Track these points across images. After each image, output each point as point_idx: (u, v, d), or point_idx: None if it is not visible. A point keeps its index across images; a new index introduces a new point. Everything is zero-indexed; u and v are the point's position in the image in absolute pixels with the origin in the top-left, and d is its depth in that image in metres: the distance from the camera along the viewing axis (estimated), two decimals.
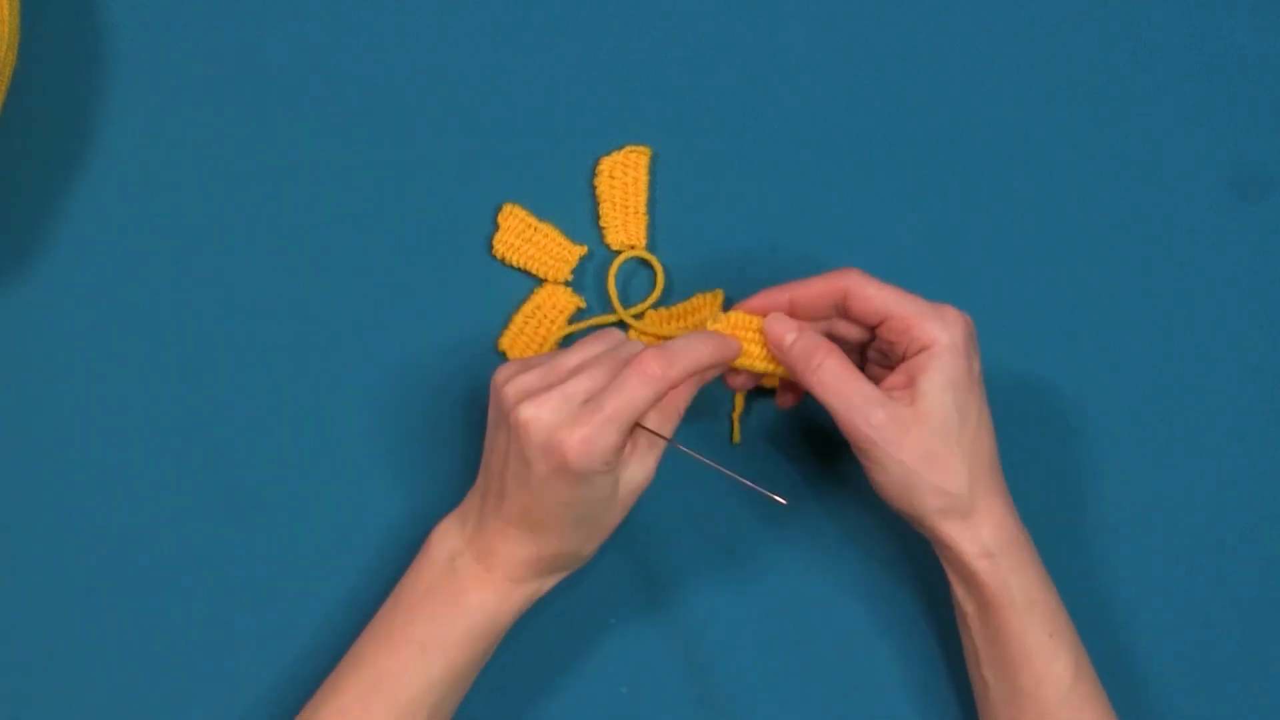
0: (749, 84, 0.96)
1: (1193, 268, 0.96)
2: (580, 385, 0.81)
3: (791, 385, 0.91)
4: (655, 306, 0.94)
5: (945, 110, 0.96)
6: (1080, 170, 0.96)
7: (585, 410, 0.81)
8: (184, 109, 0.95)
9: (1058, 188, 0.96)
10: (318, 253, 0.94)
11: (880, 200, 0.96)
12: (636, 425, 0.84)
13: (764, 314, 0.87)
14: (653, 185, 0.95)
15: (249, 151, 0.94)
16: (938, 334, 0.84)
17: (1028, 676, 0.85)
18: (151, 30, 0.95)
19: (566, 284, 0.94)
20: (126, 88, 0.95)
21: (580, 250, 0.94)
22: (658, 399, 0.82)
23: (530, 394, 0.82)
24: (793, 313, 0.87)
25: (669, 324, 0.93)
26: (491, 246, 0.94)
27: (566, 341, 0.94)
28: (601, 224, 0.95)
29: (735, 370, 0.88)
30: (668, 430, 0.85)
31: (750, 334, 0.87)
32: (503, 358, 0.93)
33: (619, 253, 0.95)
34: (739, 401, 0.93)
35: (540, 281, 0.94)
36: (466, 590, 0.85)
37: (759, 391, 0.94)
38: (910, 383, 0.84)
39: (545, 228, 0.94)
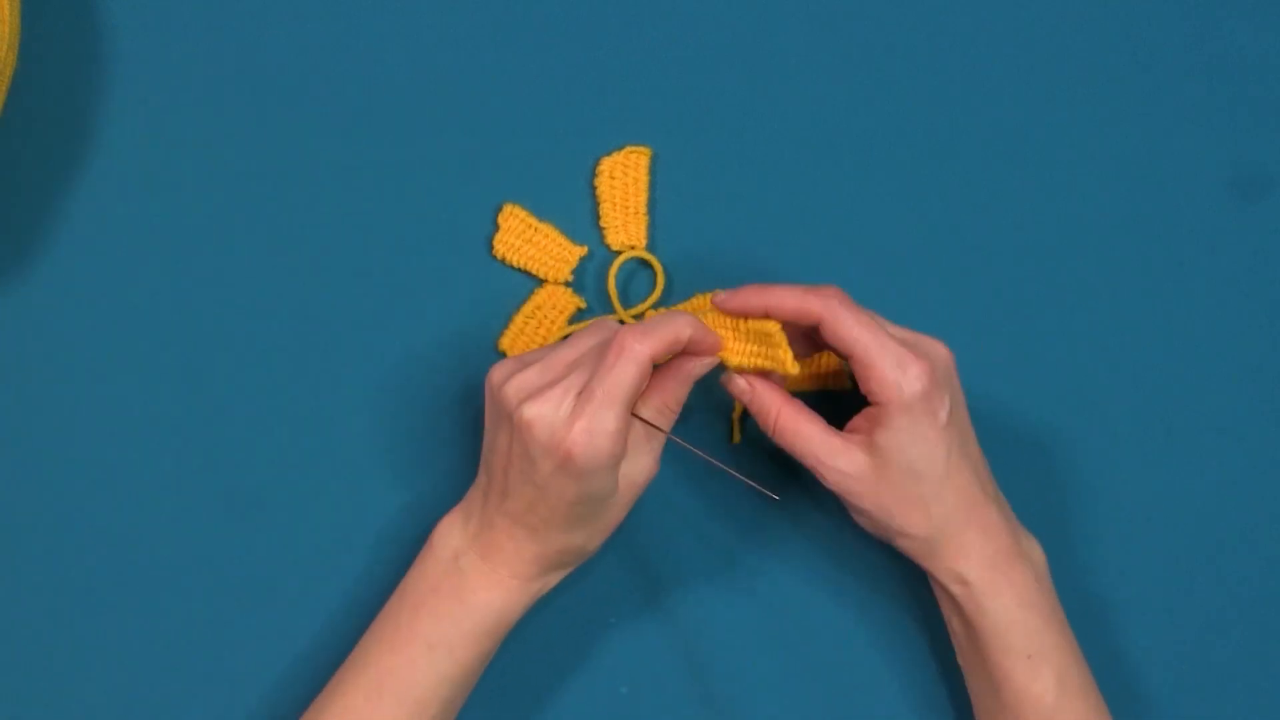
0: (749, 84, 0.96)
1: (1193, 268, 0.96)
2: (578, 379, 0.82)
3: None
4: (655, 306, 0.94)
5: (945, 110, 0.96)
6: (1080, 170, 0.96)
7: (580, 401, 0.81)
8: (184, 109, 0.95)
9: (1058, 188, 0.96)
10: (318, 253, 0.94)
11: (880, 200, 0.96)
12: (634, 417, 0.84)
13: (743, 316, 0.86)
14: (653, 185, 0.95)
15: (249, 151, 0.94)
16: (894, 393, 0.82)
17: (1008, 694, 0.85)
18: (151, 30, 0.95)
19: (567, 284, 0.94)
20: (126, 88, 0.95)
21: (580, 250, 0.94)
22: (642, 374, 0.81)
23: (531, 393, 0.82)
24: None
25: None
26: (491, 246, 0.94)
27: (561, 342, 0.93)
28: (601, 224, 0.95)
29: (730, 373, 0.87)
30: (665, 426, 0.85)
31: (728, 331, 0.86)
32: (502, 358, 0.93)
33: (619, 253, 0.95)
34: (739, 402, 0.93)
35: (540, 282, 0.94)
36: (473, 589, 0.85)
37: None
38: (871, 430, 0.84)
39: (545, 228, 0.94)
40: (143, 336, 0.93)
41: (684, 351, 0.85)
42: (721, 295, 0.86)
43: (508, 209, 0.94)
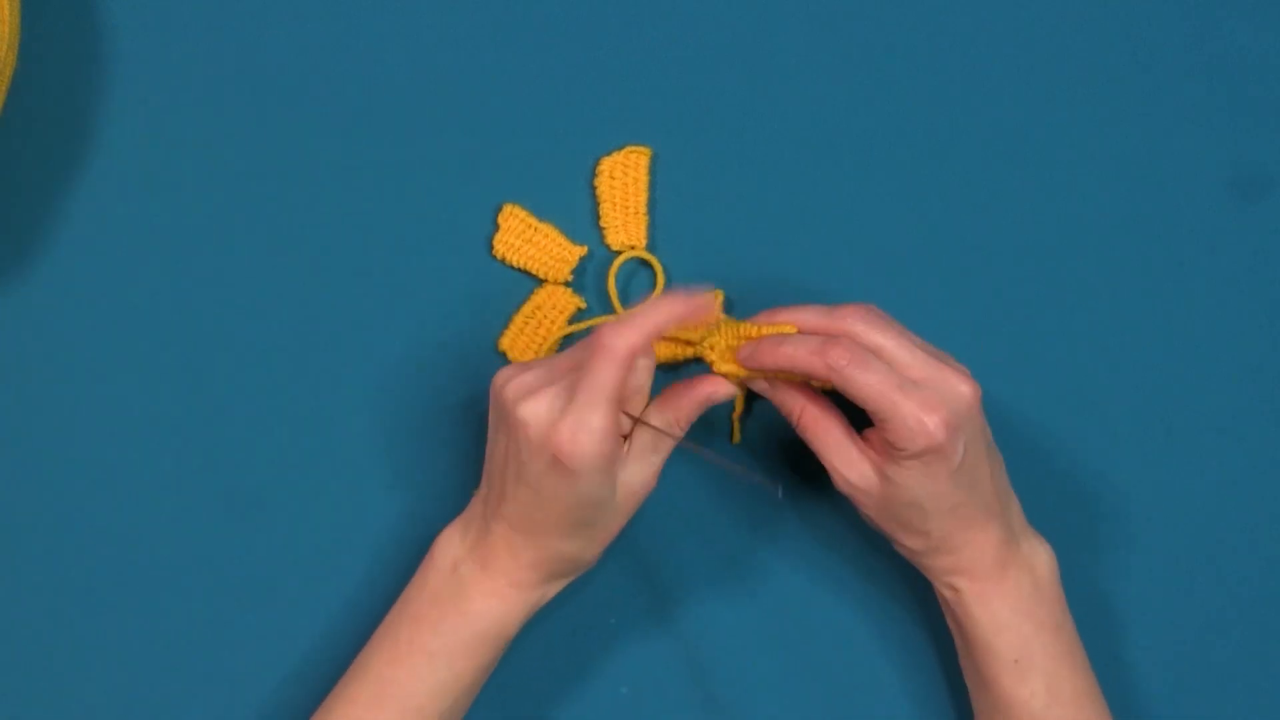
0: (749, 84, 0.96)
1: (1193, 268, 0.96)
2: (573, 381, 0.81)
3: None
4: None
5: (945, 110, 0.96)
6: (1080, 170, 0.96)
7: (566, 401, 0.80)
8: (184, 109, 0.95)
9: (1058, 188, 0.96)
10: (318, 253, 0.94)
11: (880, 200, 0.96)
12: (636, 423, 0.84)
13: (759, 369, 0.85)
14: (653, 185, 0.95)
15: (249, 152, 0.94)
16: (908, 443, 0.81)
17: (997, 696, 0.85)
18: (151, 30, 0.95)
19: (566, 284, 0.94)
20: (126, 88, 0.95)
21: (580, 250, 0.94)
22: (622, 369, 0.80)
23: (528, 393, 0.82)
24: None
25: None
26: (491, 246, 0.94)
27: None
28: (601, 224, 0.95)
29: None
30: (672, 439, 0.85)
31: (739, 342, 0.86)
32: (503, 358, 0.93)
33: (619, 253, 0.95)
34: (739, 402, 0.93)
35: (540, 282, 0.94)
36: (471, 597, 0.85)
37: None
38: (884, 457, 0.83)
39: (545, 228, 0.94)
40: (143, 336, 0.93)
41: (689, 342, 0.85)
42: (743, 352, 0.85)
43: (508, 209, 0.94)
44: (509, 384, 0.82)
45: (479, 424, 0.92)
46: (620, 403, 0.81)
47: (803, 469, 0.93)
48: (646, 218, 0.95)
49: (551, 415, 0.80)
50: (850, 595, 0.93)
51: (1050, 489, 0.94)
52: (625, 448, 0.84)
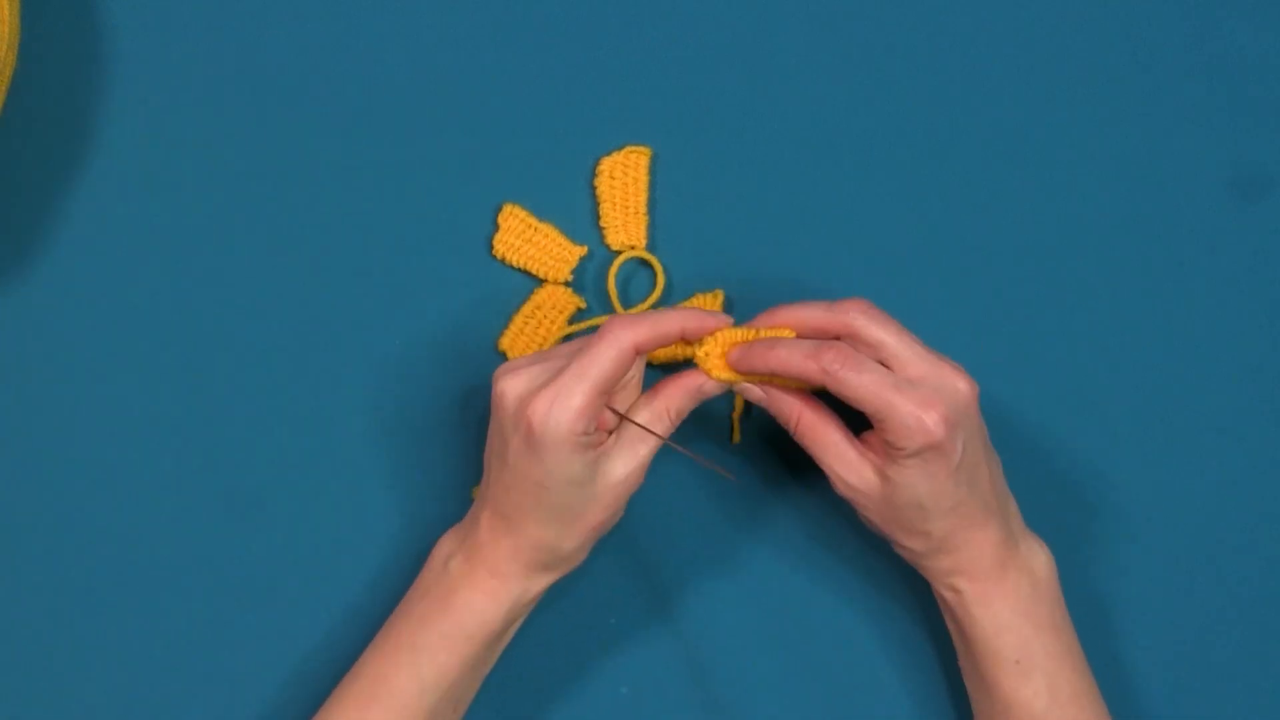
0: (749, 84, 0.96)
1: (1193, 268, 0.96)
2: (561, 363, 0.82)
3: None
4: (655, 307, 0.94)
5: (945, 110, 0.96)
6: (1080, 170, 0.96)
7: (554, 376, 0.81)
8: (184, 109, 0.95)
9: (1058, 188, 0.96)
10: (318, 253, 0.94)
11: (880, 200, 0.96)
12: (623, 418, 0.84)
13: (752, 373, 0.85)
14: (653, 185, 0.95)
15: (249, 152, 0.94)
16: (907, 442, 0.81)
17: (998, 698, 0.86)
18: (151, 30, 0.95)
19: (566, 284, 0.94)
20: (126, 88, 0.95)
21: (580, 250, 0.94)
22: (620, 358, 0.81)
23: (513, 369, 0.82)
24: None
25: None
26: (491, 246, 0.94)
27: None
28: (601, 224, 0.95)
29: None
30: (660, 430, 0.84)
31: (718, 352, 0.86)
32: (503, 358, 0.93)
33: (619, 253, 0.95)
34: (739, 401, 0.93)
35: (540, 282, 0.94)
36: (455, 589, 0.85)
37: None
38: (883, 458, 0.83)
39: (545, 228, 0.94)
40: (143, 336, 0.93)
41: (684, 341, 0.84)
42: (732, 356, 0.85)
43: (508, 209, 0.94)
44: (502, 366, 0.83)
45: (478, 423, 0.92)
46: (608, 391, 0.82)
47: (802, 469, 0.93)
48: (646, 218, 0.95)
49: (530, 388, 0.81)
50: (850, 596, 0.93)
51: (1050, 488, 0.94)
52: (611, 440, 0.84)
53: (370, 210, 0.94)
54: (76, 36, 0.95)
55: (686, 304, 0.94)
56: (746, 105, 0.96)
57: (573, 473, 0.82)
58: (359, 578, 0.92)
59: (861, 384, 0.81)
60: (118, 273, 0.94)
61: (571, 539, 0.84)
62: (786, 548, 0.93)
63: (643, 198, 0.95)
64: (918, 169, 0.96)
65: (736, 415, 0.94)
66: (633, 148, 0.95)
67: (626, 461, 0.84)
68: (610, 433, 0.84)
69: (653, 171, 0.95)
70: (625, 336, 0.81)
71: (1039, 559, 0.86)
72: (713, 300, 0.94)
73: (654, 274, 0.94)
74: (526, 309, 0.94)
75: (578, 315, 0.94)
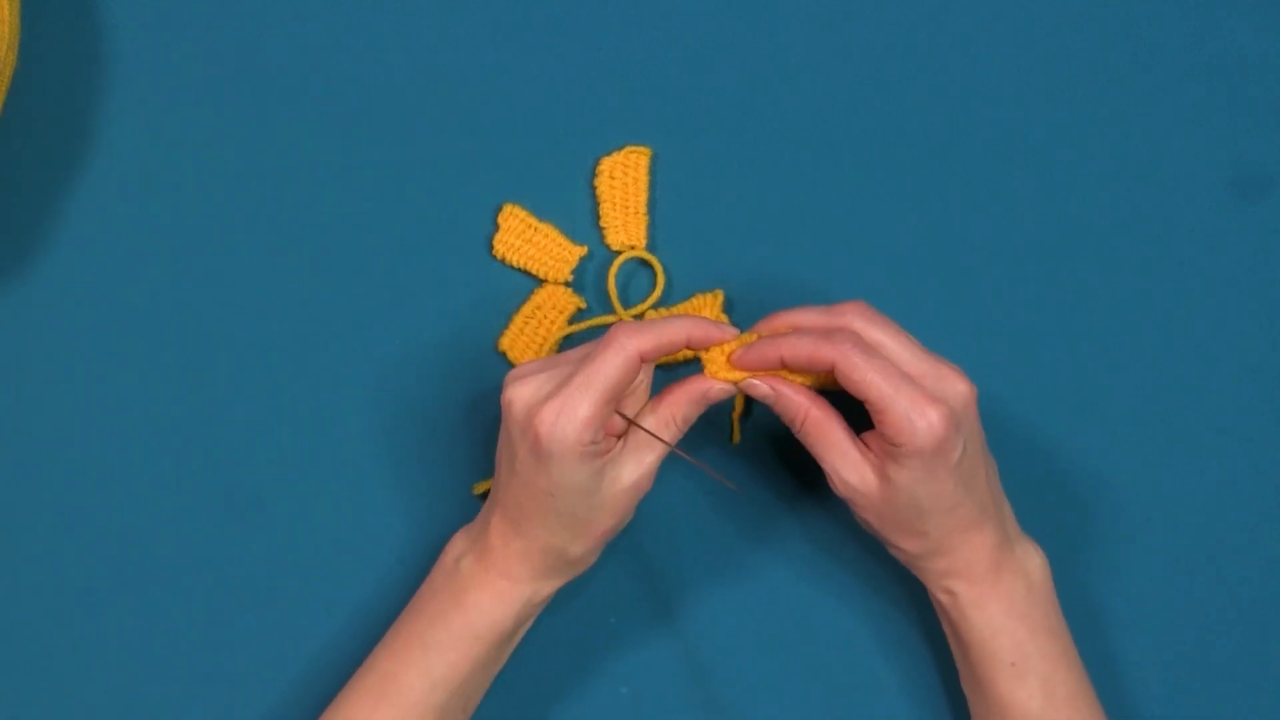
0: (749, 84, 0.96)
1: (1193, 268, 0.96)
2: (568, 370, 0.81)
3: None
4: (655, 307, 0.94)
5: (945, 110, 0.96)
6: (1080, 170, 0.96)
7: (558, 386, 0.81)
8: (184, 109, 0.95)
9: (1058, 188, 0.96)
10: (317, 253, 0.94)
11: (880, 200, 0.96)
12: (631, 423, 0.84)
13: (761, 366, 0.85)
14: (653, 185, 0.95)
15: (249, 151, 0.94)
16: (908, 439, 0.81)
17: (994, 699, 0.86)
18: (151, 30, 0.95)
19: (566, 284, 0.94)
20: (126, 88, 0.95)
21: (580, 250, 0.94)
22: (627, 367, 0.80)
23: (522, 375, 0.82)
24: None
25: None
26: (491, 246, 0.94)
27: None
28: (601, 224, 0.95)
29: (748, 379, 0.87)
30: (667, 436, 0.84)
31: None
32: (503, 358, 0.93)
33: (619, 253, 0.95)
34: (739, 402, 0.93)
35: (540, 282, 0.94)
36: (466, 589, 0.85)
37: None
38: (884, 458, 0.83)
39: (545, 228, 0.94)
40: (143, 336, 0.93)
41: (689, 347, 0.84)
42: (739, 352, 0.84)
43: (508, 209, 0.94)
44: (512, 372, 0.83)
45: (479, 424, 0.92)
46: (615, 399, 0.82)
47: (802, 472, 0.93)
48: (646, 218, 0.95)
49: (538, 397, 0.81)
50: (849, 598, 0.93)
51: (1048, 489, 0.94)
52: (619, 446, 0.84)
53: (370, 210, 0.94)
54: (76, 36, 0.95)
55: (686, 304, 0.94)
56: (746, 105, 0.96)
57: (580, 482, 0.82)
58: (358, 577, 0.92)
59: (871, 368, 0.81)
60: (118, 273, 0.94)
61: (580, 545, 0.85)
62: (786, 550, 0.93)
63: (643, 198, 0.95)
64: (918, 169, 0.96)
65: (736, 416, 0.94)
66: (633, 148, 0.95)
67: (634, 468, 0.84)
68: (619, 438, 0.84)
69: (653, 171, 0.95)
70: (631, 345, 0.81)
71: (1034, 561, 0.86)
72: (713, 300, 0.94)
73: (654, 274, 0.94)
74: (526, 309, 0.94)
75: (578, 315, 0.94)
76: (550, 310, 0.94)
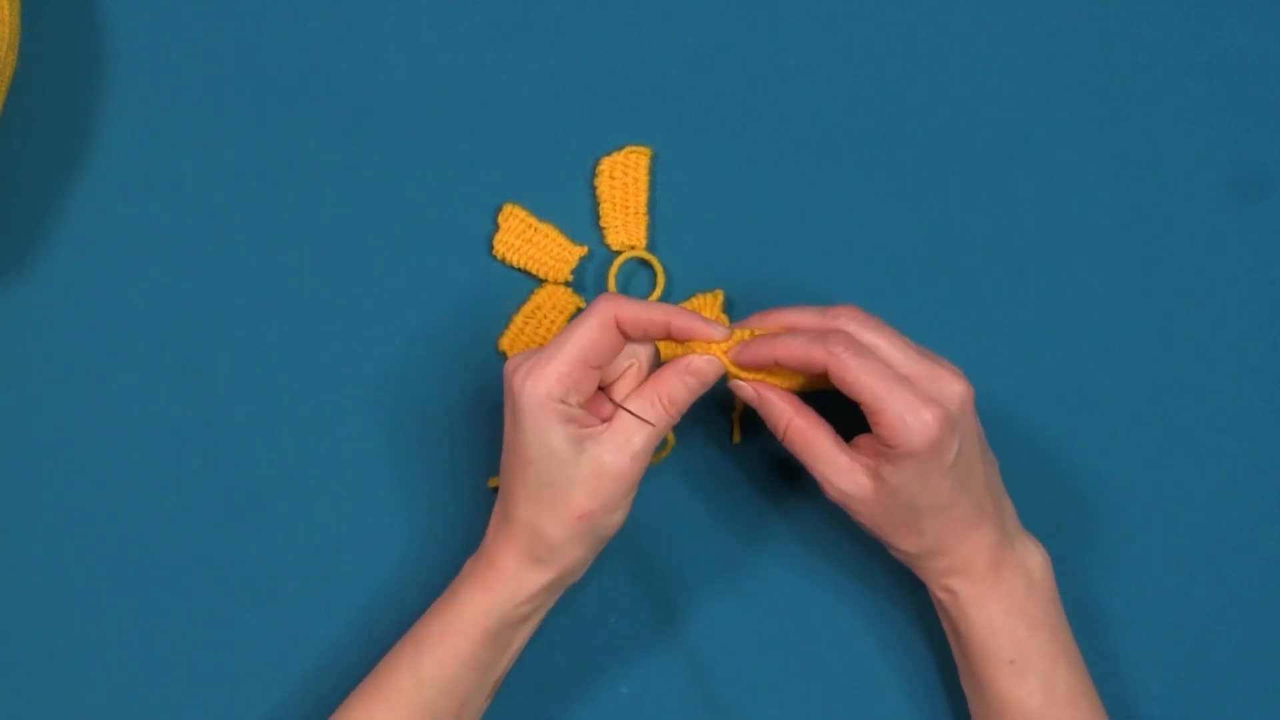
0: (749, 84, 0.96)
1: (1193, 268, 0.96)
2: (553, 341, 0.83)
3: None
4: None
5: (945, 110, 0.96)
6: (1080, 170, 0.96)
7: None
8: (184, 109, 0.95)
9: (1058, 188, 0.96)
10: (318, 253, 0.94)
11: (880, 200, 0.96)
12: (618, 407, 0.83)
13: (755, 365, 0.85)
14: (653, 185, 0.95)
15: (249, 152, 0.94)
16: (903, 440, 0.81)
17: (993, 697, 0.86)
18: (151, 30, 0.95)
19: (567, 284, 0.94)
20: (126, 88, 0.95)
21: (580, 250, 0.94)
22: (604, 331, 0.81)
23: (520, 354, 0.83)
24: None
25: None
26: (491, 247, 0.94)
27: None
28: (601, 224, 0.95)
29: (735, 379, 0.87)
30: (652, 417, 0.84)
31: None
32: (503, 358, 0.93)
33: (619, 253, 0.95)
34: (739, 401, 0.93)
35: (540, 282, 0.94)
36: (459, 583, 0.86)
37: None
38: (877, 460, 0.83)
39: (545, 228, 0.94)
40: (143, 336, 0.93)
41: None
42: (733, 351, 0.84)
43: (508, 209, 0.94)
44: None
45: (479, 423, 0.92)
46: (589, 360, 0.82)
47: (802, 471, 0.93)
48: (646, 218, 0.95)
49: (522, 360, 0.82)
50: (848, 596, 0.93)
51: (1048, 488, 0.94)
52: (603, 426, 0.83)
53: (370, 210, 0.94)
54: (76, 36, 0.95)
55: (686, 304, 0.94)
56: (746, 105, 0.96)
57: (551, 443, 0.81)
58: (358, 576, 0.92)
59: (865, 370, 0.81)
60: (118, 273, 0.94)
61: (556, 525, 0.83)
62: (786, 549, 0.93)
63: (643, 198, 0.95)
64: (918, 169, 0.96)
65: (737, 414, 0.94)
66: (633, 148, 0.95)
67: (617, 450, 0.83)
68: (605, 422, 0.84)
69: (653, 171, 0.95)
70: (608, 307, 0.82)
71: (1034, 559, 0.86)
72: (713, 300, 0.94)
73: (654, 274, 0.94)
74: (527, 309, 0.94)
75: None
76: (550, 310, 0.94)
